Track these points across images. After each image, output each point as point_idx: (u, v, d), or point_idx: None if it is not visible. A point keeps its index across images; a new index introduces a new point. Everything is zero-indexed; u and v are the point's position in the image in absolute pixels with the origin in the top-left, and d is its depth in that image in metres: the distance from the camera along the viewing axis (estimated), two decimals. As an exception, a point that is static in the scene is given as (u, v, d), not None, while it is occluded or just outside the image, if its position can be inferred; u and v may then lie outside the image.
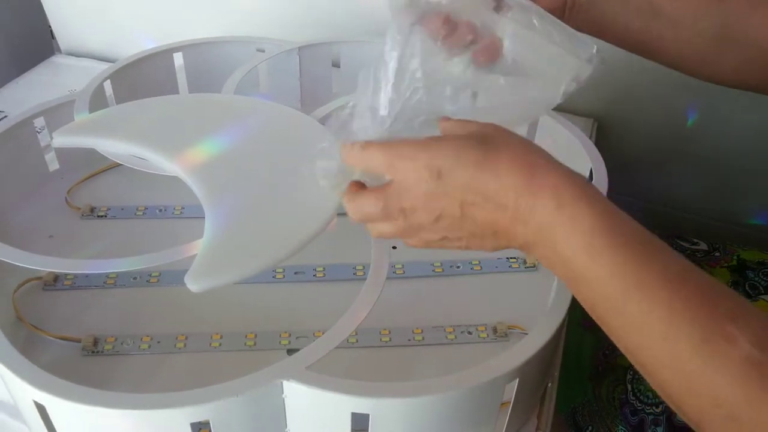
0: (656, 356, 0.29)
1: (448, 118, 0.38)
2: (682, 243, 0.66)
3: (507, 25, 0.40)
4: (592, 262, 0.31)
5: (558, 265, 0.33)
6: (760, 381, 0.27)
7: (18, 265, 0.47)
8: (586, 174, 0.59)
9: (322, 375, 0.38)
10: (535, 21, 0.41)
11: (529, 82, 0.40)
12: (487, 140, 0.34)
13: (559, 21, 0.41)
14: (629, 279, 0.30)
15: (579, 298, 0.33)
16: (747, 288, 0.60)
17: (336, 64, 0.76)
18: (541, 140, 0.65)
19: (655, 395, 0.54)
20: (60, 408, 0.38)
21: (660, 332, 0.29)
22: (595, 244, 0.31)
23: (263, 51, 0.73)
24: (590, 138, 0.68)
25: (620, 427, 0.56)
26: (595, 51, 0.41)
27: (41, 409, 0.39)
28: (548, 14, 0.41)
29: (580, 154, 0.60)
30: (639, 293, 0.29)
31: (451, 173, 0.34)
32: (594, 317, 0.33)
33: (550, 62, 0.41)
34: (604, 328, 0.32)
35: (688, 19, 0.46)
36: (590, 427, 0.59)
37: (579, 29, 0.43)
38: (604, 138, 0.82)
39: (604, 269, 0.31)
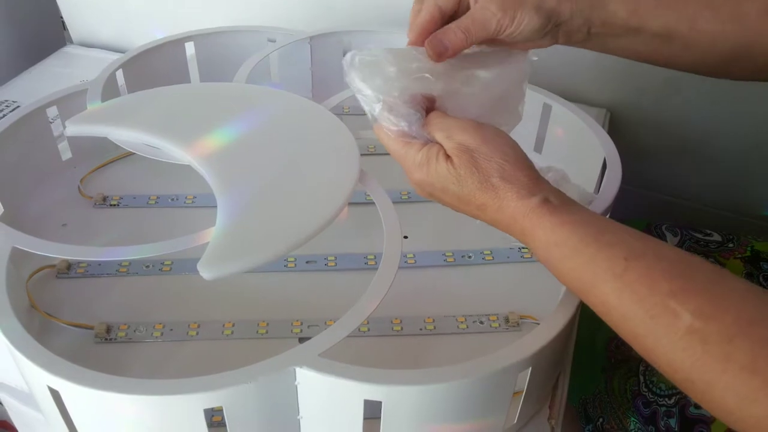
0: (624, 334, 0.34)
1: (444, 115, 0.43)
2: (695, 234, 0.65)
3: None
4: (555, 271, 0.38)
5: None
6: (702, 346, 0.30)
7: (31, 253, 0.47)
8: (600, 164, 0.58)
9: (335, 362, 0.38)
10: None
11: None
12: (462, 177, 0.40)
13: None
14: (584, 279, 0.35)
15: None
16: (761, 279, 0.59)
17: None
18: (554, 130, 0.64)
19: (668, 387, 0.54)
20: (74, 393, 0.38)
21: (618, 316, 0.34)
22: (551, 257, 0.37)
23: (274, 41, 0.73)
24: (603, 128, 0.68)
25: (632, 418, 0.56)
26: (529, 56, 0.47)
27: (55, 395, 0.40)
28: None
29: (593, 143, 0.59)
30: (593, 289, 0.35)
31: (445, 193, 0.42)
32: None
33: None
34: None
35: (706, 43, 0.46)
36: (601, 419, 0.59)
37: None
38: (616, 128, 0.82)
39: (563, 276, 0.37)
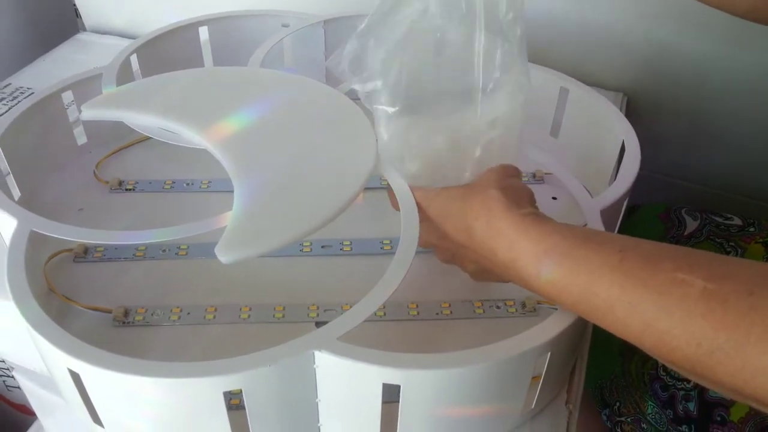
0: (632, 330, 0.32)
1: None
2: (715, 218, 0.64)
3: None
4: (549, 285, 0.36)
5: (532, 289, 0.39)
6: (722, 306, 0.28)
7: (48, 238, 0.47)
8: (617, 149, 0.58)
9: (354, 346, 0.38)
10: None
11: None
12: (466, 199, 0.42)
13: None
14: (581, 282, 0.34)
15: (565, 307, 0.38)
16: (782, 264, 0.58)
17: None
18: (571, 113, 0.64)
19: (687, 371, 0.53)
20: (94, 376, 0.39)
21: (624, 307, 0.32)
22: (542, 268, 0.36)
23: (288, 25, 0.72)
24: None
25: (649, 402, 0.56)
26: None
27: (76, 378, 0.40)
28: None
29: (611, 127, 0.59)
30: (592, 287, 0.33)
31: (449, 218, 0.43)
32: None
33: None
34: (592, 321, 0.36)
35: None
36: (618, 403, 0.58)
37: None
38: (633, 113, 0.81)
39: (560, 286, 0.35)
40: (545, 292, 0.37)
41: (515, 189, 0.41)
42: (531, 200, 0.41)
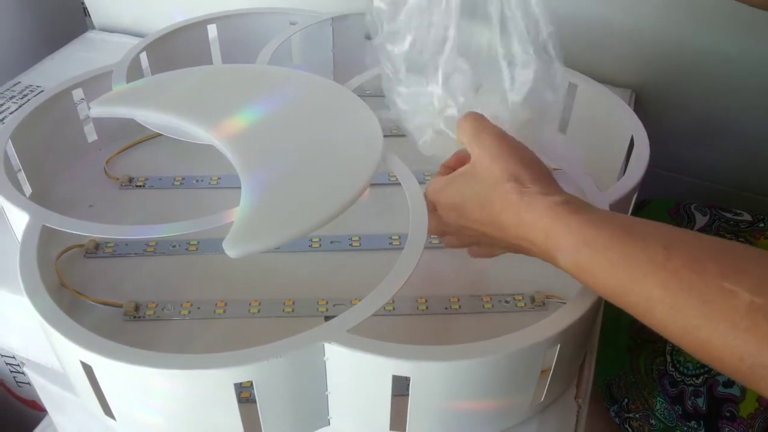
0: (672, 332, 0.31)
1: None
2: (724, 213, 0.64)
3: None
4: (587, 274, 0.35)
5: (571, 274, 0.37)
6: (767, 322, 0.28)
7: (59, 234, 0.48)
8: (626, 144, 0.58)
9: (364, 338, 0.38)
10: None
11: None
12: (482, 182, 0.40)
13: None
14: (622, 276, 0.33)
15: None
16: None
17: (369, 36, 0.75)
18: (580, 109, 0.64)
19: (696, 366, 0.53)
20: (107, 368, 0.39)
21: (665, 310, 0.31)
22: (581, 259, 0.35)
23: (296, 23, 0.72)
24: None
25: (658, 398, 0.56)
26: None
27: (88, 370, 0.40)
28: None
29: (619, 123, 0.59)
30: (634, 285, 0.32)
31: (468, 203, 0.42)
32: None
33: None
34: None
35: None
36: (626, 399, 0.58)
37: None
38: (642, 109, 0.81)
39: (597, 277, 0.34)
40: (583, 281, 0.36)
41: (526, 167, 0.39)
42: (545, 171, 0.39)
